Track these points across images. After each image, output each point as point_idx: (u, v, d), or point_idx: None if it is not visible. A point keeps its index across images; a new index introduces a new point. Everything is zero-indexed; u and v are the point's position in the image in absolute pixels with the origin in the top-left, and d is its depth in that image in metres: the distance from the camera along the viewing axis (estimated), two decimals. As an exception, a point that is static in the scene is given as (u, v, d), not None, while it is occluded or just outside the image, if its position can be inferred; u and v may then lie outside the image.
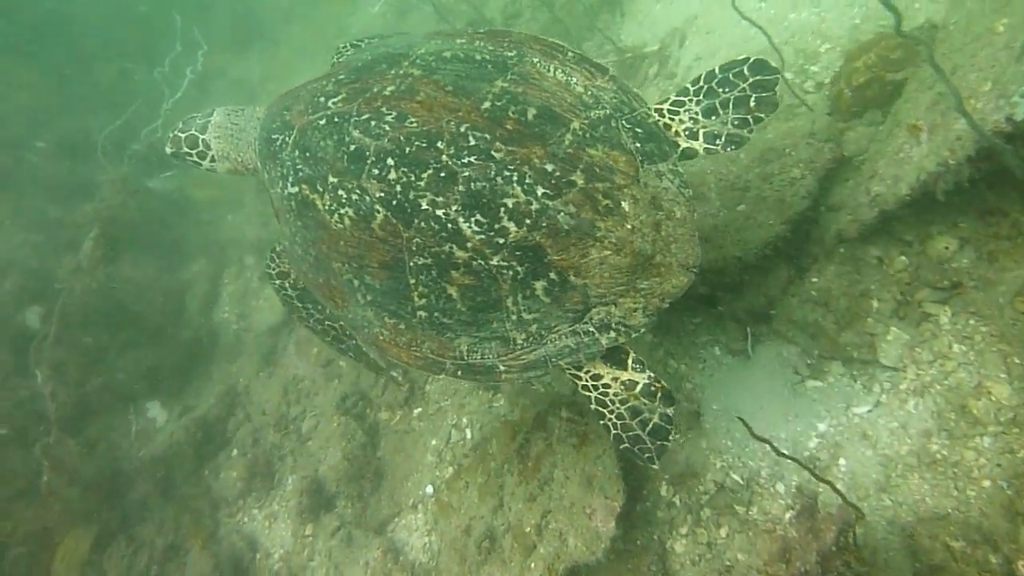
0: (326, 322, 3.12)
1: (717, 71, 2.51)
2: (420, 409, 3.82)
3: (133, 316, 5.21)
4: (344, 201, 2.38)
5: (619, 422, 2.42)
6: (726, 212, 3.06)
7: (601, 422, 2.47)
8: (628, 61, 4.34)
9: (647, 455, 2.40)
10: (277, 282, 3.08)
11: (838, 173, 2.99)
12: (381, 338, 2.59)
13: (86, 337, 4.73)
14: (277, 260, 3.06)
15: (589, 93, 2.45)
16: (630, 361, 2.42)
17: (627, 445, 2.42)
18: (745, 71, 2.45)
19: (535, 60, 2.52)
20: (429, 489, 3.50)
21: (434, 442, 3.64)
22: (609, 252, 2.22)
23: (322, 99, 2.52)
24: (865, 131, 2.99)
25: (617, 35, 4.62)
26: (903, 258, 2.55)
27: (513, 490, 2.87)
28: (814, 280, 2.73)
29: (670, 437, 2.39)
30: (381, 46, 2.82)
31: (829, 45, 3.51)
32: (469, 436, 3.55)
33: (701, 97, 2.50)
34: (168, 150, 3.15)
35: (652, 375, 2.40)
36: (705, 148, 2.44)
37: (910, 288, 2.50)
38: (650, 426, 2.39)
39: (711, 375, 2.93)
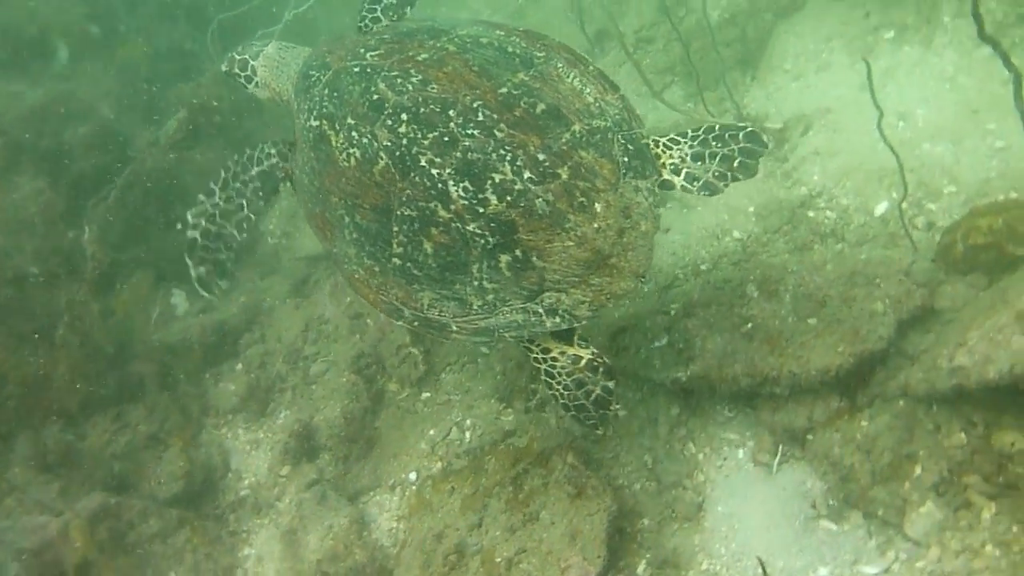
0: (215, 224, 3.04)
1: (717, 128, 2.74)
2: (429, 394, 3.80)
3: (187, 201, 5.23)
4: (355, 143, 2.59)
5: (566, 392, 2.65)
6: (795, 320, 2.97)
7: (549, 392, 2.70)
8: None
9: (590, 422, 2.65)
10: (271, 160, 3.16)
11: (922, 322, 2.88)
12: (356, 277, 2.79)
13: (142, 209, 4.77)
14: (282, 159, 3.16)
15: (597, 104, 2.67)
16: (576, 338, 2.66)
17: (573, 413, 2.66)
18: (740, 136, 2.70)
19: (559, 64, 2.74)
20: (413, 476, 3.49)
21: (432, 432, 3.61)
22: (572, 244, 2.42)
23: (362, 50, 2.78)
24: (964, 291, 2.87)
25: (741, 98, 4.50)
26: (962, 435, 2.45)
27: (496, 515, 2.84)
28: (863, 423, 2.64)
29: (611, 407, 2.63)
30: (429, 20, 3.11)
31: (955, 188, 3.37)
32: (468, 439, 3.52)
33: (695, 143, 2.73)
34: (223, 68, 3.48)
35: (595, 351, 2.65)
36: (682, 185, 2.68)
37: (960, 468, 2.40)
38: (593, 396, 2.62)
39: (727, 475, 2.87)
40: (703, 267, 3.59)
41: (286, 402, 4.08)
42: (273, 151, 3.11)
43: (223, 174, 3.08)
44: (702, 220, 3.84)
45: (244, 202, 3.05)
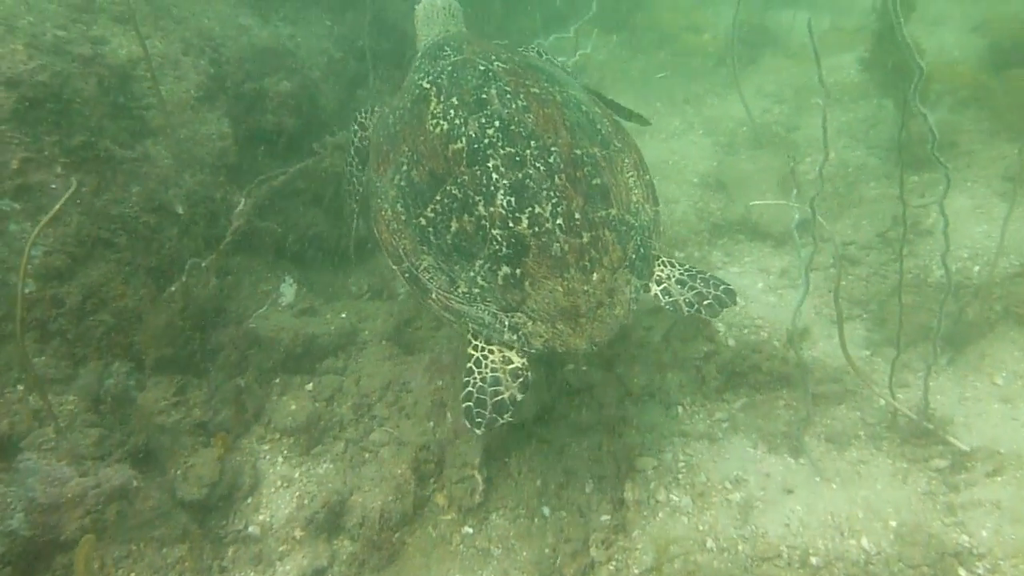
0: (354, 179, 4.12)
1: (708, 273, 3.20)
2: (471, 530, 3.56)
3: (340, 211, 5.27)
4: (448, 118, 3.10)
5: (480, 383, 2.89)
6: None
7: (465, 378, 2.94)
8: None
9: (478, 420, 2.80)
10: (356, 128, 4.09)
11: None
12: (382, 214, 3.24)
13: (296, 199, 4.80)
14: (368, 116, 4.04)
15: (637, 205, 3.17)
16: (519, 350, 2.96)
17: (470, 404, 2.85)
18: (720, 288, 3.15)
19: (626, 160, 3.29)
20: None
21: (456, 576, 3.38)
22: (560, 290, 2.83)
23: (494, 57, 3.35)
24: None
25: (929, 380, 4.06)
26: None
27: None
28: None
29: (506, 416, 2.81)
30: (562, 68, 3.89)
31: None
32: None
33: (684, 275, 3.17)
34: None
35: (526, 364, 2.93)
36: (655, 294, 3.13)
37: None
38: (499, 398, 2.85)
39: None
40: (813, 560, 3.20)
41: (334, 454, 3.95)
42: (360, 124, 4.09)
43: (346, 165, 4.20)
44: (833, 502, 3.44)
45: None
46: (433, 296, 3.06)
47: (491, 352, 2.97)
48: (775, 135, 6.59)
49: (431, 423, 3.99)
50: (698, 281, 3.17)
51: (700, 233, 5.68)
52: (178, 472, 3.64)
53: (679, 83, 8.01)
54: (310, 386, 4.32)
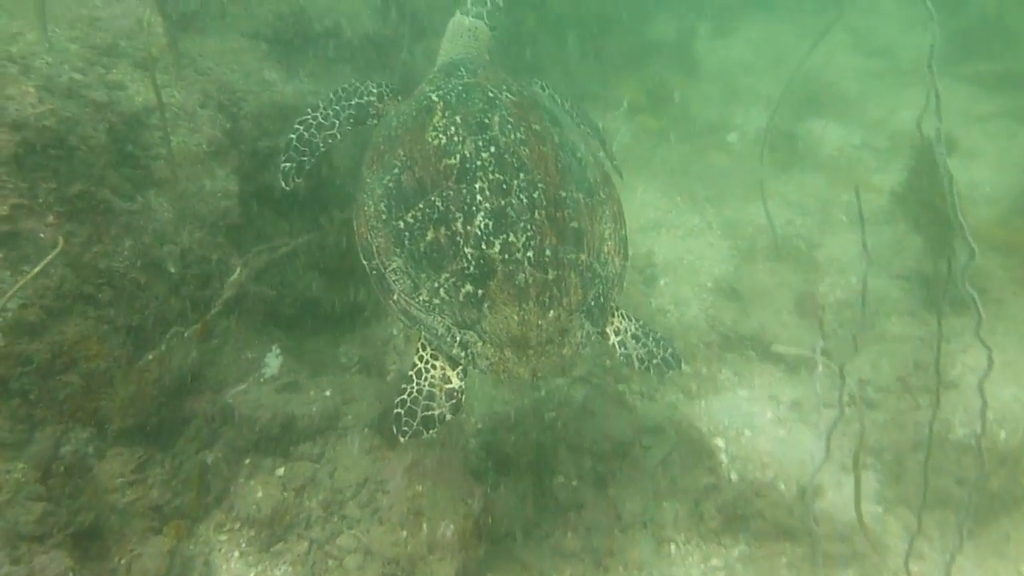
0: (309, 133, 3.86)
1: (661, 335, 3.44)
2: (433, 666, 3.29)
3: (341, 283, 5.16)
4: (447, 133, 3.21)
5: (416, 394, 3.04)
6: None
7: (403, 385, 3.09)
8: None
9: (404, 429, 2.96)
10: (374, 90, 3.93)
11: None
12: (364, 209, 3.32)
13: (296, 272, 4.67)
14: (379, 100, 3.90)
15: (607, 256, 3.31)
16: (460, 369, 3.10)
17: (401, 411, 3.00)
18: (668, 351, 3.39)
19: (606, 211, 3.39)
20: None
21: None
22: (516, 319, 2.94)
23: (504, 87, 3.51)
24: None
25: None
26: None
27: None
28: None
29: (431, 432, 2.97)
30: (563, 109, 4.13)
31: None
32: None
33: (639, 331, 3.38)
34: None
35: (462, 388, 3.08)
36: (613, 344, 3.32)
37: None
38: (429, 413, 2.99)
39: None
40: None
41: (296, 555, 3.70)
42: (374, 92, 3.88)
43: (330, 95, 3.90)
44: None
45: (336, 123, 3.80)
46: (395, 298, 3.17)
47: (434, 367, 3.12)
48: (796, 248, 6.50)
49: (404, 533, 3.75)
50: (650, 339, 3.39)
51: (710, 345, 5.53)
52: (122, 561, 3.40)
53: (702, 179, 7.98)
54: (281, 471, 4.10)
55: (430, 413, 3.02)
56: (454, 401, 3.06)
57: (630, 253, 3.52)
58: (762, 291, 5.95)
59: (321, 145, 3.79)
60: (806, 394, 4.85)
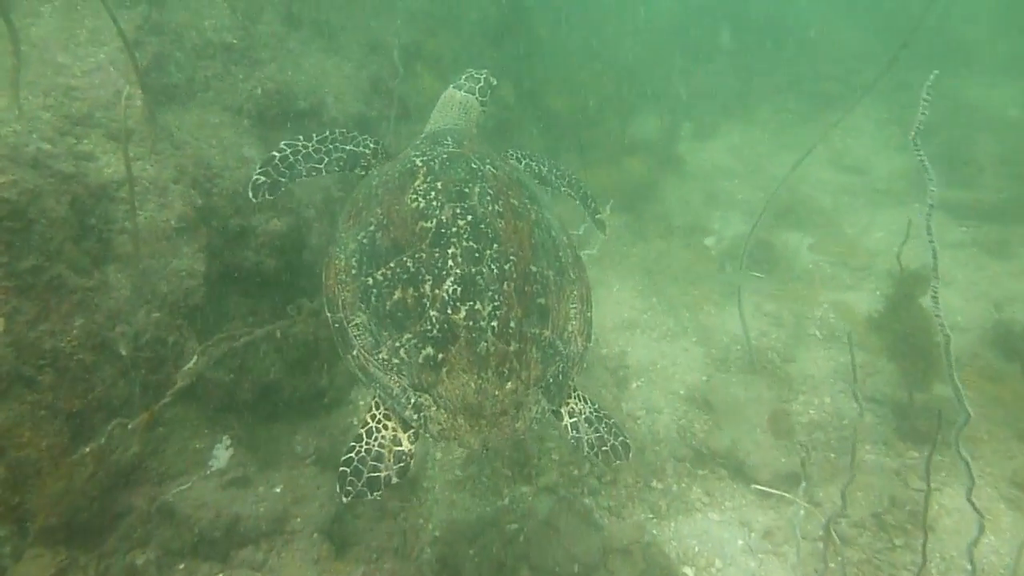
0: (294, 156, 3.73)
1: (612, 423, 3.38)
2: None
3: (305, 374, 4.96)
4: (426, 197, 3.25)
5: (364, 453, 2.99)
6: None
7: (352, 443, 3.03)
8: None
9: (348, 488, 2.89)
10: (364, 151, 3.90)
11: None
12: (336, 262, 3.32)
13: (258, 361, 4.48)
14: (373, 157, 3.89)
15: (570, 335, 3.29)
16: (411, 432, 3.07)
17: (347, 470, 2.94)
18: (620, 440, 3.33)
19: (575, 292, 3.41)
20: None
21: None
22: (472, 387, 2.92)
23: (488, 162, 3.58)
24: None
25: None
26: None
27: None
28: None
29: (375, 494, 2.90)
30: (550, 171, 4.36)
31: None
32: None
33: (594, 416, 3.35)
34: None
35: (411, 451, 3.05)
36: (566, 426, 3.29)
37: None
38: (373, 475, 2.94)
39: None
40: None
41: None
42: (370, 147, 3.90)
43: (327, 133, 3.84)
44: None
45: (326, 159, 3.75)
46: (354, 353, 3.15)
47: (385, 428, 3.10)
48: (770, 362, 6.49)
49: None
50: (603, 425, 3.37)
51: (682, 460, 5.40)
52: None
53: (678, 282, 8.03)
54: (219, 578, 3.81)
55: (376, 475, 2.97)
56: (402, 464, 3.03)
57: (594, 338, 3.60)
58: (735, 404, 5.88)
59: (304, 173, 3.69)
60: (778, 521, 4.71)
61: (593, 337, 3.49)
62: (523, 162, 4.33)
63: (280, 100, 6.07)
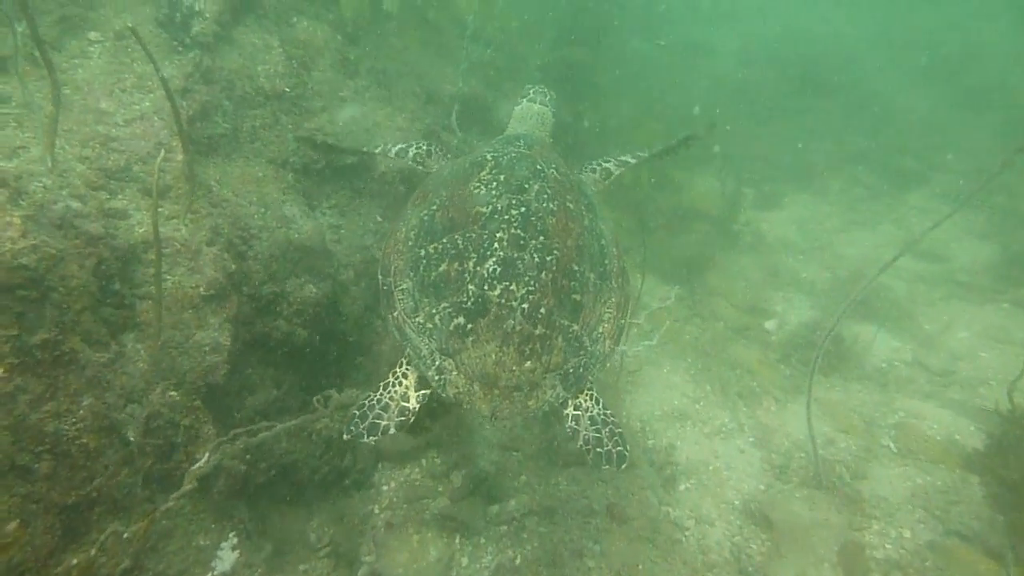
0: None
1: (618, 429, 3.50)
2: None
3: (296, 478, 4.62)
4: (489, 187, 3.61)
5: (376, 404, 3.43)
6: None
7: (371, 391, 3.49)
8: None
9: (351, 428, 3.34)
10: (424, 150, 4.74)
11: None
12: (397, 234, 3.76)
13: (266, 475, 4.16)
14: (427, 160, 4.72)
15: (599, 335, 3.53)
16: (420, 393, 3.46)
17: (356, 412, 3.40)
18: (619, 447, 3.44)
19: (612, 299, 3.65)
20: None
21: None
22: (492, 358, 3.22)
23: (553, 166, 3.86)
24: None
25: None
26: None
27: None
28: None
29: (371, 439, 3.34)
30: (597, 205, 4.13)
31: None
32: None
33: (600, 415, 3.52)
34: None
35: (415, 411, 3.43)
36: (567, 414, 3.53)
37: None
38: (375, 421, 3.37)
39: None
40: None
41: None
42: (424, 148, 4.73)
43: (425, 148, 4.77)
44: None
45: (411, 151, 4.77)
46: (395, 314, 3.53)
47: (399, 384, 3.47)
48: (838, 477, 5.96)
49: None
50: (606, 430, 3.48)
51: (735, 591, 4.90)
52: None
53: (735, 369, 7.56)
54: None
55: (377, 422, 3.35)
56: (403, 419, 3.38)
57: (625, 352, 4.02)
58: (799, 526, 5.37)
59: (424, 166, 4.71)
60: None
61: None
62: (597, 171, 4.70)
63: (328, 153, 5.85)
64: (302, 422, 3.98)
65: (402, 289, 3.54)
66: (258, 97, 5.57)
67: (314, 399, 4.01)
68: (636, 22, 14.45)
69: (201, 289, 4.23)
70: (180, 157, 4.45)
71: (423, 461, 5.53)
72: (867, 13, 23.07)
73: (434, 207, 3.68)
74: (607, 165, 4.71)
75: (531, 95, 5.02)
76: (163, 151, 3.93)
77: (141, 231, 4.09)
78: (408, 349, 3.45)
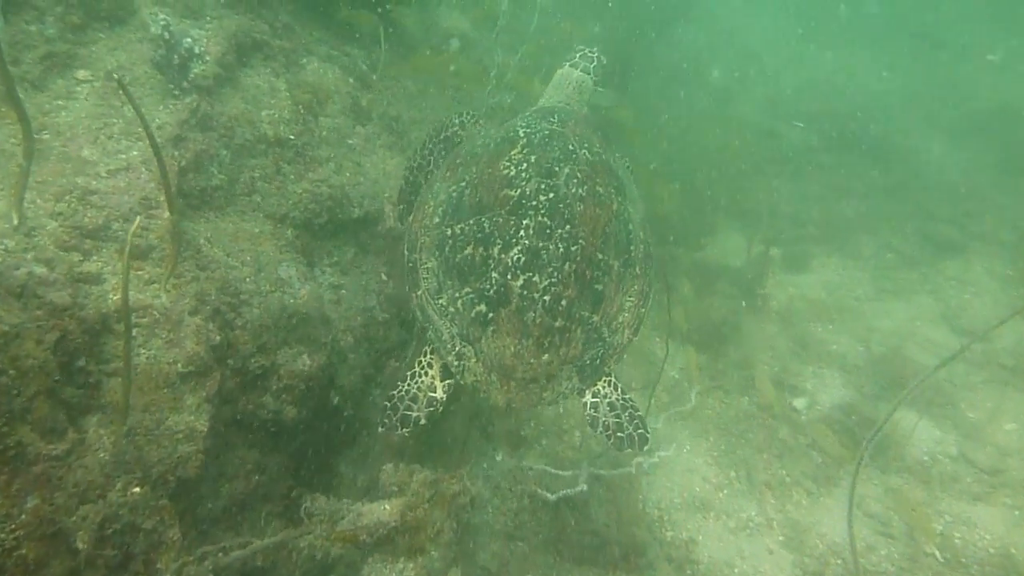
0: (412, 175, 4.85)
1: (636, 414, 3.61)
2: None
3: None
4: (520, 168, 3.69)
5: (404, 393, 3.58)
6: None
7: (399, 382, 3.65)
8: None
9: (385, 421, 3.51)
10: (456, 122, 4.69)
11: None
12: (425, 207, 3.92)
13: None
14: (461, 128, 4.68)
15: (618, 325, 3.67)
16: (447, 382, 3.61)
17: (388, 405, 3.57)
18: (640, 429, 3.54)
19: (635, 287, 3.77)
20: None
21: None
22: (511, 350, 3.35)
23: (586, 146, 3.94)
24: None
25: None
26: None
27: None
28: None
29: (404, 431, 3.47)
30: (635, 189, 4.31)
31: None
32: None
33: (619, 401, 3.61)
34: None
35: (442, 399, 3.58)
36: (585, 403, 3.62)
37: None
38: (407, 413, 3.51)
39: None
40: None
41: None
42: (456, 122, 4.61)
43: (425, 142, 4.74)
44: None
45: (432, 159, 4.65)
46: (419, 293, 3.63)
47: (425, 374, 3.61)
48: (879, 591, 5.45)
49: None
50: (626, 414, 3.55)
51: None
52: None
53: (762, 453, 7.07)
54: None
55: (408, 414, 3.49)
56: (432, 409, 3.53)
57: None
58: (837, 652, 4.85)
59: (422, 181, 4.62)
60: None
61: (640, 332, 3.77)
62: (627, 165, 4.56)
63: (332, 206, 5.48)
64: (283, 538, 3.51)
65: (427, 268, 3.64)
66: (259, 145, 5.21)
67: (302, 507, 3.55)
68: (665, 63, 14.16)
69: (179, 365, 3.81)
70: (166, 215, 4.07)
71: (419, 557, 5.04)
72: (893, 67, 22.86)
73: (463, 184, 3.73)
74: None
75: (576, 59, 4.89)
76: (138, 218, 3.55)
77: (116, 298, 3.69)
78: (430, 332, 3.57)
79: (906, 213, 12.36)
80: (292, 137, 5.45)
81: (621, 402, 3.60)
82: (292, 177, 5.37)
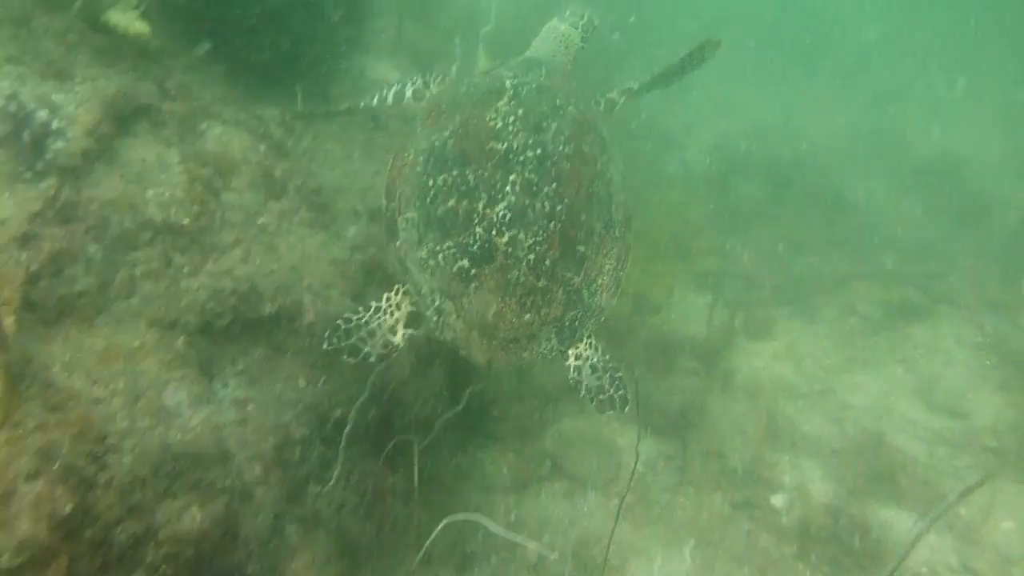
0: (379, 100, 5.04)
1: (620, 375, 3.82)
2: None
3: None
4: (507, 122, 3.70)
5: (363, 325, 3.70)
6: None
7: (360, 308, 3.83)
8: None
9: (334, 340, 3.68)
10: (419, 82, 4.78)
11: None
12: (405, 156, 3.94)
13: None
14: (434, 81, 4.75)
15: (597, 287, 3.76)
16: (409, 331, 3.75)
17: (341, 324, 3.71)
18: (621, 391, 3.76)
19: (614, 249, 3.85)
20: None
21: None
22: (492, 308, 3.43)
23: (572, 101, 3.97)
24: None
25: None
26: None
27: None
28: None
29: (349, 359, 3.69)
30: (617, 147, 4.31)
31: None
32: None
33: (599, 362, 3.80)
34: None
35: (399, 345, 3.71)
36: (569, 365, 3.79)
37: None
38: (359, 344, 3.68)
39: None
40: None
41: None
42: (419, 81, 4.77)
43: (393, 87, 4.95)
44: None
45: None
46: (397, 244, 3.75)
47: (390, 315, 3.75)
48: None
49: None
50: (607, 376, 3.77)
51: None
52: None
53: (742, 566, 6.42)
54: None
55: (359, 346, 3.67)
56: (385, 351, 3.67)
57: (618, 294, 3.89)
58: None
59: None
60: None
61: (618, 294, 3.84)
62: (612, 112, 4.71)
63: (237, 304, 4.65)
64: None
65: (406, 218, 3.69)
66: (143, 234, 4.35)
67: None
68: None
69: (4, 558, 2.90)
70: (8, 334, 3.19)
71: None
72: (834, 113, 23.26)
73: (446, 133, 3.75)
74: (611, 96, 4.72)
75: (567, 15, 4.94)
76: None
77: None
78: (407, 282, 3.66)
79: (863, 272, 12.13)
80: (186, 221, 4.61)
81: (602, 364, 3.77)
82: (186, 271, 4.52)
